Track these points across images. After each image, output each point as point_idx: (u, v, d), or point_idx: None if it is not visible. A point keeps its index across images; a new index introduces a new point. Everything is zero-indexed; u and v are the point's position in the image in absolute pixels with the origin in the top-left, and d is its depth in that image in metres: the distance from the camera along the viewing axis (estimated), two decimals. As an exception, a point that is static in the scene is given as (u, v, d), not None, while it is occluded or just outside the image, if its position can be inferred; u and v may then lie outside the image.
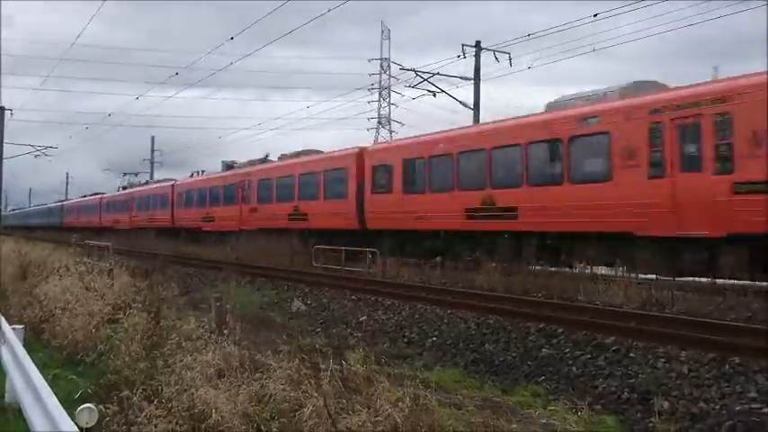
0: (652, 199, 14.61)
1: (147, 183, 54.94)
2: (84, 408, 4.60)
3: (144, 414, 5.87)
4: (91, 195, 66.18)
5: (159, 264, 21.73)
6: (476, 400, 7.31)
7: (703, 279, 14.15)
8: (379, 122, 54.13)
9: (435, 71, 30.33)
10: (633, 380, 8.22)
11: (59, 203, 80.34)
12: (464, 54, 29.49)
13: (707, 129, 13.87)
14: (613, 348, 9.22)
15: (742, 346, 8.35)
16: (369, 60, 54.70)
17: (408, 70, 30.83)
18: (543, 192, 17.22)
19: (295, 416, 5.72)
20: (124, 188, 61.90)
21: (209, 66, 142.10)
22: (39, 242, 41.11)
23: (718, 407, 7.08)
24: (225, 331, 8.83)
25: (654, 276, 14.59)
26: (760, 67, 14.56)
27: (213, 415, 5.76)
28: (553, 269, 16.84)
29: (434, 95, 31.01)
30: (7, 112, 36.70)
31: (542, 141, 17.58)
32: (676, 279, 14.16)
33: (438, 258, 19.60)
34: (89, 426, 4.53)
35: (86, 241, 30.17)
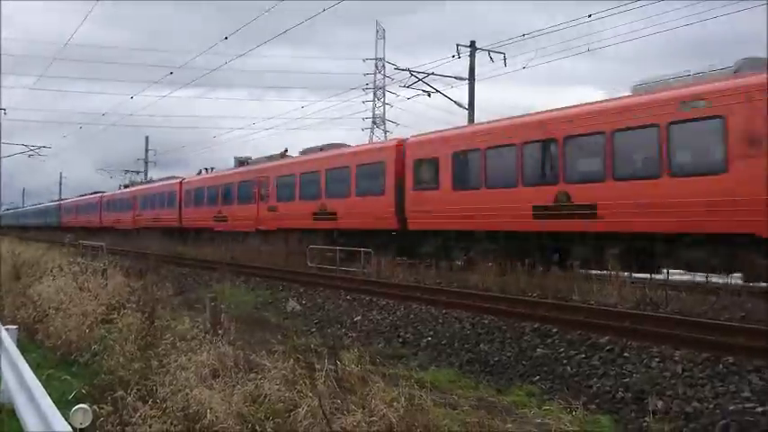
0: None
1: (150, 180, 52.10)
2: (79, 408, 4.59)
3: (138, 414, 5.86)
4: (90, 194, 63.74)
5: (153, 264, 21.67)
6: (471, 400, 7.32)
7: (698, 278, 14.15)
8: (374, 122, 54.13)
9: (430, 71, 30.42)
10: (627, 379, 8.24)
11: (57, 202, 77.54)
12: (459, 54, 29.58)
13: None
14: (608, 348, 9.24)
15: (736, 346, 8.37)
16: (363, 60, 54.59)
17: (403, 70, 30.88)
18: (633, 186, 14.84)
19: (290, 416, 5.72)
20: (126, 186, 59.29)
21: (203, 65, 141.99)
22: (32, 242, 41.00)
23: (711, 406, 7.10)
24: (219, 331, 8.82)
25: (647, 276, 14.59)
26: None
27: (208, 415, 5.76)
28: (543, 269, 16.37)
29: (429, 95, 31.09)
30: (0, 112, 36.54)
31: (633, 128, 15.00)
32: (670, 278, 14.16)
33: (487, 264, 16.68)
34: (83, 426, 4.53)
35: (80, 241, 30.10)
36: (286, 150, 31.93)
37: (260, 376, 6.64)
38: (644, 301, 11.63)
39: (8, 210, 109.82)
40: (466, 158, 19.70)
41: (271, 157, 32.13)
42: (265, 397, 6.17)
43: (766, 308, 10.42)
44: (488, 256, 16.72)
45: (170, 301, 13.95)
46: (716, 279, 13.11)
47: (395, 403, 5.67)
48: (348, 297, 15.46)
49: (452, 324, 11.91)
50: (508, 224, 17.75)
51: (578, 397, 7.81)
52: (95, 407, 5.60)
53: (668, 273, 14.71)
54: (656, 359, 8.51)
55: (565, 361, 9.30)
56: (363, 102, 53.52)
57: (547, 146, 17.15)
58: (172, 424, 5.76)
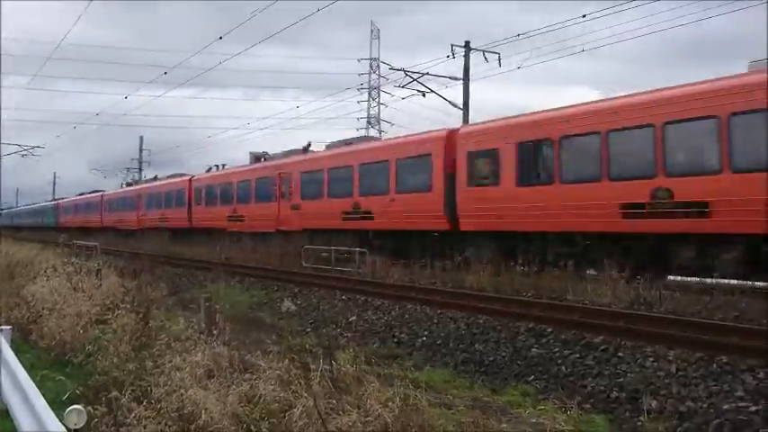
0: None
1: (155, 178, 48.70)
2: (73, 409, 4.58)
3: (133, 415, 5.86)
4: (90, 193, 61.31)
5: (148, 264, 21.62)
6: (466, 400, 7.34)
7: (690, 278, 14.18)
8: (369, 122, 54.08)
9: (425, 71, 30.43)
10: (622, 379, 8.27)
11: (55, 202, 74.41)
12: (453, 54, 29.58)
13: None
14: (602, 348, 9.26)
15: (729, 345, 8.41)
16: (358, 60, 54.68)
17: (398, 70, 30.85)
18: (756, 180, 12.64)
19: (285, 416, 5.73)
20: (129, 184, 56.74)
21: (198, 65, 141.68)
22: (26, 242, 40.84)
23: (705, 405, 7.13)
24: (214, 332, 8.81)
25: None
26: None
27: (203, 416, 5.76)
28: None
29: (424, 95, 31.09)
30: (1, 111, 36.32)
31: (758, 111, 12.73)
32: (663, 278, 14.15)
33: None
34: (78, 427, 4.52)
35: (74, 241, 30.00)
36: (309, 144, 29.82)
37: (255, 376, 6.64)
38: (638, 301, 11.66)
39: (2, 210, 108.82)
40: (535, 149, 17.38)
41: (290, 153, 29.94)
42: (260, 397, 6.17)
43: (759, 307, 10.47)
44: (563, 260, 14.88)
45: (164, 302, 13.94)
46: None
47: (390, 403, 5.68)
48: (343, 297, 15.46)
49: (447, 324, 11.92)
50: (588, 224, 15.60)
51: (573, 396, 7.85)
52: (90, 408, 5.59)
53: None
54: (651, 359, 8.54)
55: (559, 361, 9.32)
56: (358, 102, 53.58)
57: (641, 134, 14.75)
58: (166, 425, 5.75)
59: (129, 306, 11.04)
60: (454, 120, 36.52)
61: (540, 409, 7.00)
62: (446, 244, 19.18)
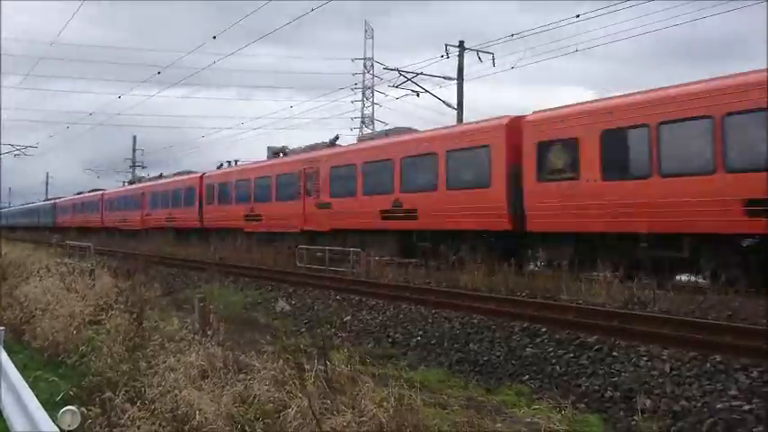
0: None
1: (161, 176, 46.01)
2: (67, 410, 4.57)
3: (127, 416, 5.85)
4: (90, 191, 58.86)
5: (141, 264, 21.57)
6: (460, 400, 7.35)
7: (684, 278, 14.20)
8: (363, 122, 54.04)
9: (419, 71, 30.45)
10: (616, 378, 8.28)
11: (51, 201, 71.52)
12: (447, 54, 29.63)
13: None
14: (596, 347, 9.27)
15: (723, 345, 8.43)
16: (352, 60, 54.49)
17: (392, 70, 30.88)
18: None
19: (279, 417, 5.72)
20: (130, 183, 54.23)
21: (191, 65, 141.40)
22: (19, 242, 40.70)
23: (699, 405, 7.14)
24: (208, 332, 8.81)
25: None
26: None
27: (197, 416, 5.75)
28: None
29: (418, 95, 31.13)
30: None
31: None
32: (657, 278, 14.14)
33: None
34: (72, 428, 4.50)
35: (67, 242, 29.91)
36: (337, 137, 27.76)
37: (249, 377, 6.64)
38: (632, 301, 11.68)
39: (1, 210, 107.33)
40: (625, 138, 14.99)
41: (315, 146, 27.65)
42: (255, 398, 6.17)
43: (751, 306, 10.52)
44: (664, 265, 13.34)
45: (158, 302, 13.91)
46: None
47: (385, 403, 5.68)
48: (338, 297, 15.44)
49: (442, 324, 11.92)
50: (698, 224, 13.37)
51: (567, 396, 7.86)
52: (83, 408, 5.57)
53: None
54: (645, 358, 8.55)
55: (554, 360, 9.33)
56: (352, 101, 53.44)
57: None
58: (161, 425, 5.74)
59: (122, 306, 11.03)
60: (448, 119, 36.44)
61: (534, 409, 7.01)
62: (506, 247, 17.28)
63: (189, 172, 39.63)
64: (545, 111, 17.25)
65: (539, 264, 16.86)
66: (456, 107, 30.26)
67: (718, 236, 13.20)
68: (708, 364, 7.95)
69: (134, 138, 68.76)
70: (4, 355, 7.15)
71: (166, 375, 6.83)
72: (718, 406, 6.98)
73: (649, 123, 14.41)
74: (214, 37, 26.69)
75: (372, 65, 51.11)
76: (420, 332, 11.88)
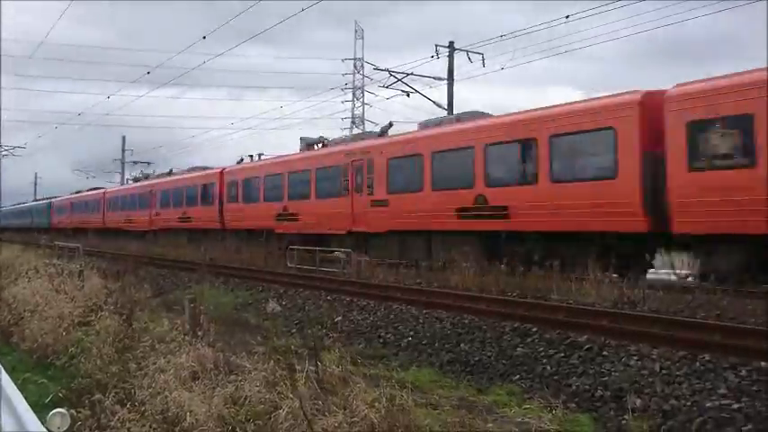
0: None
1: (170, 172, 42.57)
2: (56, 412, 4.53)
3: (117, 418, 5.82)
4: (89, 190, 55.81)
5: (131, 265, 21.47)
6: (452, 400, 7.35)
7: (674, 277, 14.25)
8: (353, 122, 54.04)
9: (409, 71, 30.47)
10: (606, 378, 8.31)
11: (47, 200, 67.43)
12: (437, 54, 29.69)
13: None
14: (587, 347, 9.30)
15: (712, 344, 8.49)
16: (342, 60, 54.42)
17: (382, 70, 30.90)
18: None
19: (271, 418, 5.71)
20: (136, 180, 50.88)
21: (181, 65, 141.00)
22: (7, 243, 40.41)
23: (689, 403, 7.18)
24: (199, 333, 8.78)
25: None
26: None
27: (187, 418, 5.74)
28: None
29: (408, 96, 31.15)
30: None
31: None
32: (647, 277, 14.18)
33: None
34: (61, 431, 4.46)
35: (55, 242, 29.73)
36: (390, 125, 24.91)
37: (240, 378, 6.62)
38: (621, 300, 11.74)
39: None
40: None
41: (362, 136, 24.96)
42: (246, 399, 6.16)
43: (740, 305, 10.59)
44: None
45: (148, 303, 13.85)
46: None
47: (376, 404, 5.68)
48: (328, 298, 15.43)
49: (433, 324, 11.93)
50: None
51: (558, 396, 7.88)
52: (73, 411, 5.53)
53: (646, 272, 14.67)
54: (635, 357, 8.59)
55: (544, 360, 9.35)
56: (342, 102, 53.44)
57: None
58: (151, 427, 5.72)
59: (112, 308, 10.98)
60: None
61: (525, 409, 7.03)
62: (636, 250, 14.80)
63: (204, 168, 36.39)
64: (692, 83, 14.04)
65: (690, 275, 14.00)
66: (446, 107, 30.31)
67: None
68: (697, 363, 8.00)
69: (123, 138, 68.38)
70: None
71: (156, 377, 6.81)
72: (708, 405, 7.02)
73: None
74: (204, 37, 26.70)
75: (363, 65, 51.12)
76: (411, 332, 11.88)
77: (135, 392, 6.52)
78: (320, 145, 27.26)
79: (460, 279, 15.30)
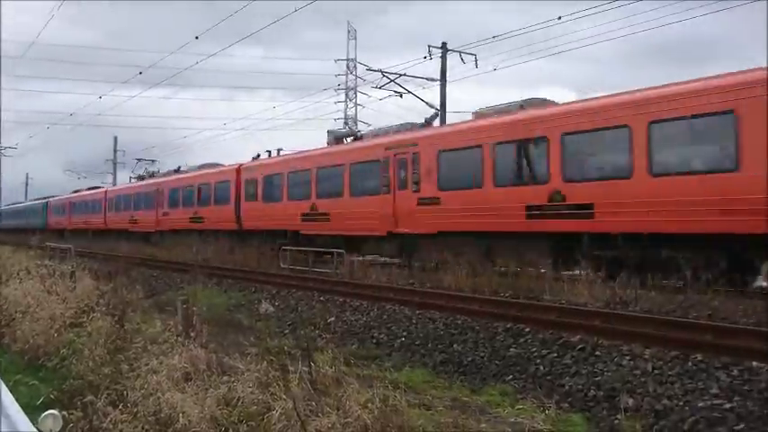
0: None
1: (178, 170, 39.41)
2: (48, 414, 4.50)
3: (109, 419, 5.80)
4: (88, 189, 53.41)
5: (123, 266, 21.40)
6: (445, 400, 7.36)
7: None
8: (346, 123, 54.05)
9: (402, 72, 30.47)
10: (599, 378, 8.33)
11: (43, 200, 64.16)
12: (430, 55, 29.71)
13: None
14: (579, 347, 9.32)
15: (704, 344, 8.52)
16: (335, 61, 54.49)
17: (375, 71, 30.84)
18: None
19: (264, 419, 5.70)
20: (140, 178, 47.00)
21: (173, 65, 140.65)
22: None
23: (681, 403, 7.20)
24: (191, 334, 8.75)
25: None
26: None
27: (180, 419, 5.72)
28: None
29: (401, 96, 31.15)
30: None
31: None
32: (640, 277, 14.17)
33: None
34: (53, 432, 4.44)
35: (47, 243, 29.58)
36: (436, 114, 23.20)
37: (233, 379, 6.61)
38: (614, 300, 11.77)
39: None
40: None
41: (403, 127, 22.25)
42: (239, 400, 6.15)
43: (731, 306, 10.64)
44: None
45: (141, 304, 13.80)
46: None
47: (369, 404, 5.68)
48: (321, 298, 15.41)
49: (426, 324, 11.93)
50: None
51: (551, 396, 7.90)
52: (65, 412, 5.51)
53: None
54: (627, 357, 8.61)
55: (537, 360, 9.37)
56: (335, 102, 53.60)
57: None
58: (143, 428, 5.71)
59: (104, 309, 10.94)
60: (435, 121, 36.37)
61: (518, 409, 7.05)
62: (753, 254, 12.66)
63: (215, 165, 34.12)
64: None
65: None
66: (439, 108, 30.34)
67: None
68: (689, 363, 8.03)
69: (115, 138, 68.01)
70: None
71: (149, 378, 6.79)
72: (700, 404, 7.05)
73: None
74: (196, 37, 26.61)
75: (355, 66, 51.15)
76: (404, 333, 11.88)
77: (127, 394, 6.50)
78: (350, 138, 25.37)
79: (453, 279, 15.32)
